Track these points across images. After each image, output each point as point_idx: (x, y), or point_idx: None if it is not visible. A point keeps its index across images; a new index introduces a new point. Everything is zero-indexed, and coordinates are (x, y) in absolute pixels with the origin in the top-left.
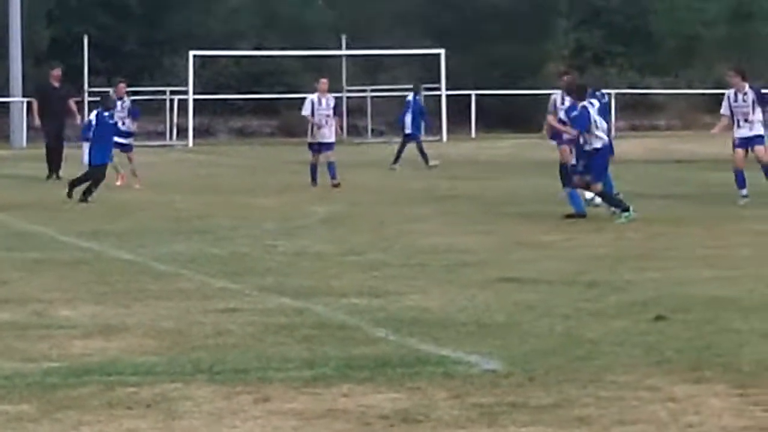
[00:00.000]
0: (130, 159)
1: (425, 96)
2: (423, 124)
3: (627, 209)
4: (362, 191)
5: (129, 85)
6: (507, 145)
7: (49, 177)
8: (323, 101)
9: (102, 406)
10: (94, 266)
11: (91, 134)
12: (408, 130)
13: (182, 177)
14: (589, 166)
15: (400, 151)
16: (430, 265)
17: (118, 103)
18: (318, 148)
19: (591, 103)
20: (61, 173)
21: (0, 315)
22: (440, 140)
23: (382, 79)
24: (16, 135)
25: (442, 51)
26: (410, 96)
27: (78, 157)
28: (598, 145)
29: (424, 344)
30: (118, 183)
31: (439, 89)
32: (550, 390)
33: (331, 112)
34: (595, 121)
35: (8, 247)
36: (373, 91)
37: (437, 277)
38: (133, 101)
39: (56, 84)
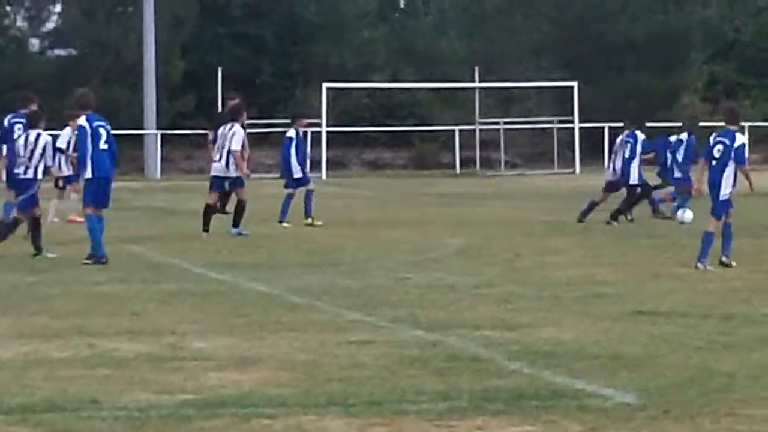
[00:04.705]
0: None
1: (560, 128)
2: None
3: None
4: (495, 224)
5: (262, 117)
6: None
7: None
8: None
9: None
10: (229, 298)
11: None
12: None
13: (315, 209)
14: None
15: None
16: (563, 297)
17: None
18: None
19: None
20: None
21: (135, 347)
22: (573, 173)
23: (515, 112)
24: (151, 167)
25: (575, 83)
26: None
27: None
28: None
29: (558, 377)
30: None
31: (572, 122)
32: (684, 423)
33: None
34: None
35: (143, 279)
36: (506, 123)
37: (571, 309)
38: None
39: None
